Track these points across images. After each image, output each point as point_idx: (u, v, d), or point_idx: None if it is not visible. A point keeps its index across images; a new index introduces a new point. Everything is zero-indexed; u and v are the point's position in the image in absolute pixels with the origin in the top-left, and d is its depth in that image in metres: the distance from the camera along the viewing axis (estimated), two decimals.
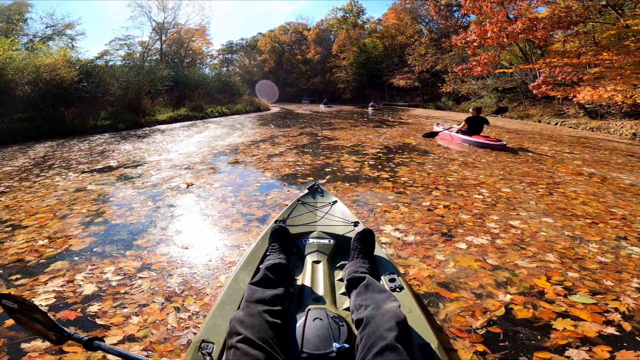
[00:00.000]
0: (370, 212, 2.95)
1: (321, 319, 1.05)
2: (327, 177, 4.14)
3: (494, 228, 2.63)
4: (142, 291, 1.76)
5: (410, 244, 2.33)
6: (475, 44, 14.63)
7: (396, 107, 30.34)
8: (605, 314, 1.60)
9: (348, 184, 3.80)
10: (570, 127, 16.26)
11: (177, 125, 12.11)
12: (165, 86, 16.29)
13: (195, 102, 15.69)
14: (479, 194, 3.52)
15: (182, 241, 2.36)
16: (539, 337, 1.44)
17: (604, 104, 15.78)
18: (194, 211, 2.98)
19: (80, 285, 1.82)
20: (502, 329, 1.49)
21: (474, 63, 16.00)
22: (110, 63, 24.50)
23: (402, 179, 4.05)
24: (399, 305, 1.04)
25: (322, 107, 27.33)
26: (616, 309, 1.64)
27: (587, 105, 17.96)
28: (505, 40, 14.23)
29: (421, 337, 1.06)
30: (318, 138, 7.59)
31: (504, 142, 6.60)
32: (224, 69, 59.61)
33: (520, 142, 8.06)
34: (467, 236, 2.46)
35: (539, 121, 18.69)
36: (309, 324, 1.04)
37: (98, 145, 7.51)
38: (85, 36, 29.76)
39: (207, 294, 1.73)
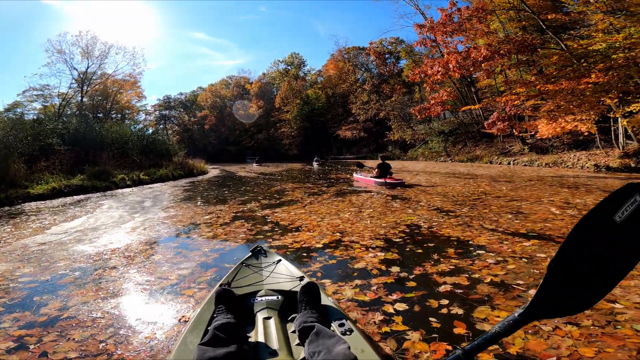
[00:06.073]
0: None
1: None
2: None
3: None
4: None
5: None
6: (438, 76, 13.54)
7: (345, 161, 28.98)
8: None
9: None
10: (525, 165, 15.47)
11: (58, 201, 8.39)
12: (65, 145, 12.75)
13: (101, 167, 12.00)
14: None
15: None
16: None
17: (544, 137, 15.25)
18: None
19: None
20: None
21: (432, 102, 14.86)
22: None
23: None
24: (349, 347, 1.07)
25: (254, 166, 26.08)
26: None
27: (528, 141, 17.72)
28: (471, 70, 13.48)
29: None
30: (265, 228, 4.52)
31: (403, 180, 8.42)
32: (161, 126, 55.38)
33: (529, 193, 5.72)
34: None
35: (490, 162, 17.93)
36: None
37: None
38: None
39: None
